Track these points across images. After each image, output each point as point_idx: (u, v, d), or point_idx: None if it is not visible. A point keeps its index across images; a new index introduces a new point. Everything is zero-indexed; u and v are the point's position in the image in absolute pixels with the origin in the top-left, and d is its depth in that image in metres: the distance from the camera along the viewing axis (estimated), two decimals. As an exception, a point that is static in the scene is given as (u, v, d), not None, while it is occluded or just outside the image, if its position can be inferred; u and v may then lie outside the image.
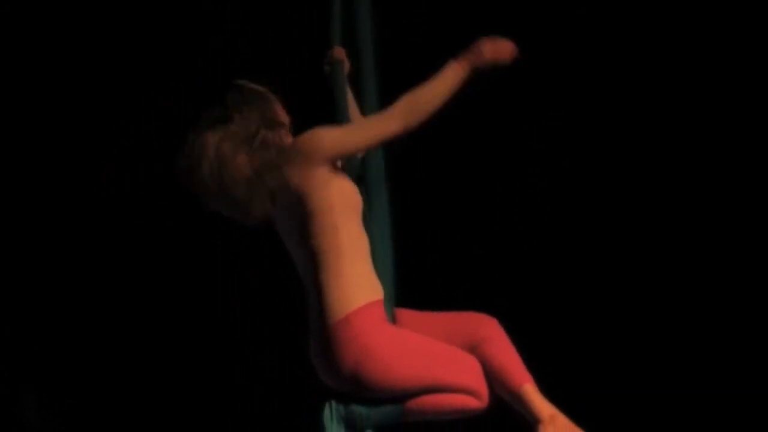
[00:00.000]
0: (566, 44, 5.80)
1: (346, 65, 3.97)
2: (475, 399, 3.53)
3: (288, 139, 3.63)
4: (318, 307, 3.52)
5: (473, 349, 3.59)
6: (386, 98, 3.67)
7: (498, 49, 3.56)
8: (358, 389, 3.49)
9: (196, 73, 5.76)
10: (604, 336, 5.77)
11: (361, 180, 3.75)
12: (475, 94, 5.81)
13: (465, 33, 5.90)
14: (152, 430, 5.99)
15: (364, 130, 3.53)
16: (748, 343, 5.65)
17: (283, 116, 3.68)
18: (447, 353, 3.58)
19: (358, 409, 3.48)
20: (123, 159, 5.98)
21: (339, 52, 3.95)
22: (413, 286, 3.95)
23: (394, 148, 3.75)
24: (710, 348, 5.67)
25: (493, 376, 3.56)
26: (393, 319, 3.65)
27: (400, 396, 3.50)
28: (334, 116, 3.82)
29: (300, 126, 3.64)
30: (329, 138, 3.50)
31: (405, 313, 3.71)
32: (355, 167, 3.79)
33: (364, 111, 3.87)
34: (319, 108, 3.82)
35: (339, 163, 3.62)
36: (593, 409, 4.57)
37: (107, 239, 6.04)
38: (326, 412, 3.46)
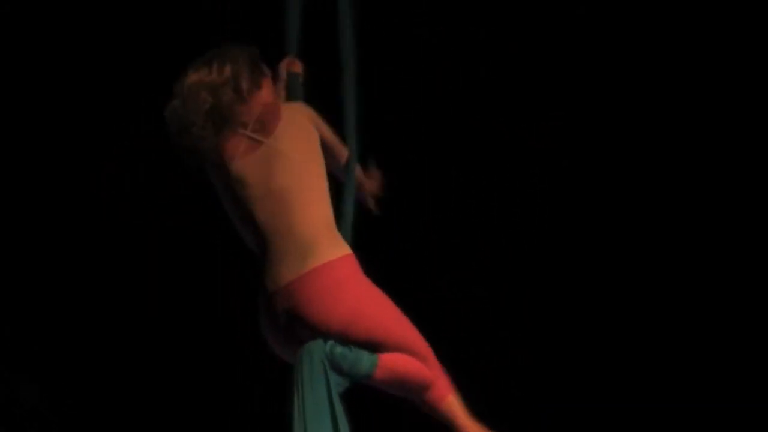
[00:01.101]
0: (566, 44, 5.81)
1: (301, 75, 4.04)
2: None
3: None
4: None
5: None
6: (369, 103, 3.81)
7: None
8: (345, 333, 3.52)
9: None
10: (606, 338, 5.78)
11: None
12: (475, 94, 5.87)
13: (465, 33, 5.91)
14: (152, 429, 6.00)
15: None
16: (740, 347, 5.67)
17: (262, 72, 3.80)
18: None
19: (339, 348, 3.52)
20: (123, 159, 5.99)
21: (294, 64, 4.01)
22: (410, 288, 3.95)
23: (393, 149, 3.78)
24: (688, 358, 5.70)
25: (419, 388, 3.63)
26: None
27: (383, 349, 3.55)
28: None
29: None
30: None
31: None
32: None
33: (346, 119, 3.95)
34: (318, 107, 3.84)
35: None
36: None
37: (107, 239, 6.04)
38: (310, 350, 3.54)
